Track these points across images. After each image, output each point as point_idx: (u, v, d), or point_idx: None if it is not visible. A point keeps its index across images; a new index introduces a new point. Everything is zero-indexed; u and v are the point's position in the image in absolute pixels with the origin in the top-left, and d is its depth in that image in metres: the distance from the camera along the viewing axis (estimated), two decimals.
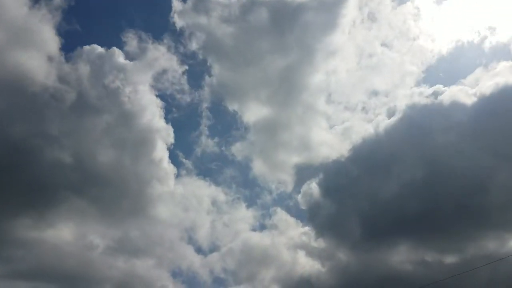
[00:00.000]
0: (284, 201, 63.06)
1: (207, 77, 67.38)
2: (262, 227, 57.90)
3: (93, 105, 52.94)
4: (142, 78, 58.18)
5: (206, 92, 65.98)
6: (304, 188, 55.11)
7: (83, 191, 49.96)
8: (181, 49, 64.51)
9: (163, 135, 55.46)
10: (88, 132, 52.17)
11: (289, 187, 59.99)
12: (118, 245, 50.66)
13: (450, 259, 44.89)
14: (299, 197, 55.57)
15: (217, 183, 61.93)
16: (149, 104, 56.35)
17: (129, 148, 53.94)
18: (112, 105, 53.91)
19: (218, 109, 67.43)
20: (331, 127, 61.61)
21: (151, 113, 55.88)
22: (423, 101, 54.05)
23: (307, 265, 48.94)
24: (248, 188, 65.18)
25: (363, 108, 64.65)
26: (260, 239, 53.73)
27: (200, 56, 64.81)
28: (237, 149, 64.01)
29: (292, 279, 48.80)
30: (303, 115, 62.69)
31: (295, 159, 59.43)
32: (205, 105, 65.46)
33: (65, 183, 49.50)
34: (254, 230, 57.19)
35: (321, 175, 54.43)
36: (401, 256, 46.75)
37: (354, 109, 65.11)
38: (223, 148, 64.82)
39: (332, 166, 54.16)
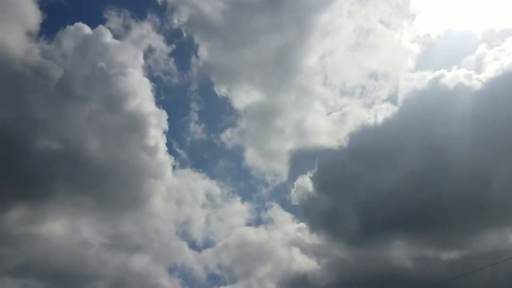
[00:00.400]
0: (278, 194, 61.13)
1: (194, 58, 63.88)
2: (257, 222, 56.19)
3: (82, 88, 50.88)
4: (131, 59, 55.58)
5: (193, 75, 62.70)
6: (298, 181, 53.25)
7: (75, 182, 48.46)
8: (166, 26, 61.16)
9: (157, 122, 53.36)
10: (77, 118, 50.31)
11: (284, 177, 57.75)
12: (112, 240, 49.16)
13: (450, 255, 43.40)
14: (292, 192, 53.60)
15: (209, 174, 60.84)
16: (140, 88, 54.24)
17: (122, 136, 51.93)
18: (103, 88, 51.84)
19: (206, 94, 64.01)
20: (328, 113, 59.12)
21: (142, 97, 53.83)
22: (425, 85, 51.87)
23: (302, 261, 47.64)
24: (241, 180, 62.89)
25: (362, 93, 61.98)
26: (255, 235, 52.22)
27: (185, 34, 60.99)
28: (227, 137, 60.98)
29: (287, 276, 47.58)
30: (298, 100, 60.20)
31: (290, 147, 57.38)
32: (193, 88, 62.51)
33: (55, 174, 47.94)
34: (249, 224, 55.60)
35: (316, 168, 52.10)
36: (400, 252, 45.17)
37: (352, 93, 62.37)
38: (212, 135, 62.12)
39: (327, 156, 51.76)
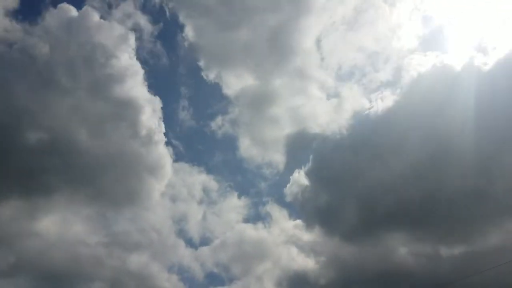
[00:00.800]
0: (275, 188, 57.47)
1: (179, 39, 59.76)
2: (253, 218, 53.91)
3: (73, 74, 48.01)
4: (120, 40, 52.07)
5: (180, 58, 59.35)
6: (295, 176, 50.20)
7: (67, 176, 46.37)
8: (149, 4, 57.06)
9: (151, 110, 50.60)
10: (66, 106, 47.97)
11: (280, 168, 54.96)
12: (108, 238, 47.55)
13: (453, 251, 41.39)
14: (288, 187, 50.46)
15: (203, 166, 56.97)
16: (132, 72, 51.24)
17: (114, 125, 49.60)
18: (92, 73, 49.16)
19: (194, 78, 59.94)
20: (325, 98, 56.45)
21: (134, 82, 51.02)
22: (430, 68, 49.13)
23: (301, 258, 45.93)
24: (237, 174, 60.08)
25: (362, 76, 58.83)
26: (253, 232, 50.34)
27: (168, 12, 57.45)
28: (218, 125, 57.84)
29: (286, 273, 45.79)
30: (294, 85, 57.07)
31: (286, 135, 54.82)
32: (181, 73, 59.02)
33: (43, 168, 45.88)
34: (246, 220, 53.49)
35: (311, 160, 49.04)
36: (401, 248, 43.16)
37: (351, 77, 59.38)
38: (202, 123, 59.03)
39: (324, 146, 49.18)
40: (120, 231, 48.36)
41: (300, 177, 49.09)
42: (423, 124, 44.28)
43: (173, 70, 60.03)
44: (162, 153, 49.97)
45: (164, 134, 50.65)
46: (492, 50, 49.11)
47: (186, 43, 57.35)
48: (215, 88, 57.93)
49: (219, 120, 57.96)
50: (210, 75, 55.74)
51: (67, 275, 43.94)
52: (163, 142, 50.26)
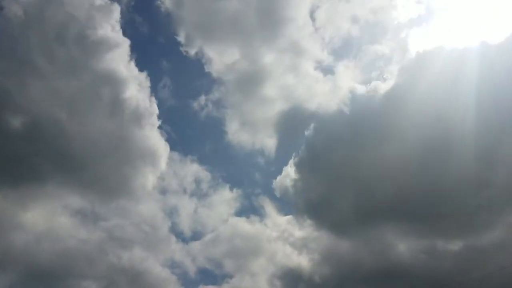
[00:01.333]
0: (265, 177, 53.08)
1: (154, 8, 54.24)
2: (244, 210, 50.03)
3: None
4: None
5: (157, 30, 54.35)
6: (288, 169, 46.34)
7: (53, 165, 43.87)
8: None
9: (141, 89, 47.35)
10: (53, 88, 45.08)
11: (272, 154, 51.25)
12: (99, 232, 44.95)
13: (456, 245, 38.51)
14: (280, 178, 46.66)
15: (179, 150, 52.62)
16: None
17: (103, 107, 46.41)
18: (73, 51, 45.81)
19: (173, 54, 54.26)
20: (321, 74, 52.65)
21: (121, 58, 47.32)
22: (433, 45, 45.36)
23: (295, 254, 43.67)
24: (223, 161, 55.40)
25: (360, 51, 54.88)
26: (245, 225, 47.52)
27: None
28: (201, 106, 53.20)
29: (280, 269, 43.60)
30: (285, 60, 52.99)
31: (277, 115, 51.00)
32: (158, 47, 53.62)
33: (27, 155, 43.42)
34: (237, 213, 49.74)
35: (304, 147, 45.12)
36: (400, 243, 40.24)
37: (346, 52, 54.93)
38: (183, 102, 54.01)
39: (319, 127, 44.81)
40: (109, 224, 45.90)
41: (292, 167, 45.73)
42: (424, 108, 40.87)
43: (150, 43, 55.07)
44: (156, 138, 46.98)
45: (157, 116, 47.42)
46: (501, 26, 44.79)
47: (162, 11, 52.82)
48: (197, 65, 53.30)
49: (202, 100, 53.64)
50: (191, 51, 51.26)
51: (55, 270, 42.30)
52: (157, 126, 47.27)
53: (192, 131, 56.03)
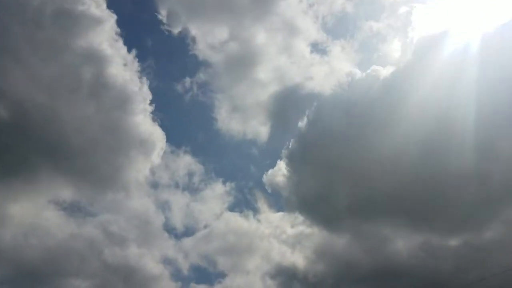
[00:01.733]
0: (259, 174, 49.71)
1: None
2: (237, 205, 47.86)
3: None
4: None
5: (138, 5, 50.03)
6: (280, 163, 44.01)
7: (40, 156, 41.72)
8: None
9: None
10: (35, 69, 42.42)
11: (264, 141, 48.46)
12: (89, 227, 42.78)
13: (456, 241, 36.78)
14: (273, 171, 44.16)
15: (173, 141, 49.52)
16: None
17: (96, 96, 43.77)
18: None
19: (154, 33, 50.44)
20: (315, 54, 49.57)
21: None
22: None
23: (290, 251, 42.20)
24: (214, 154, 52.36)
25: (358, 29, 51.41)
26: (238, 220, 45.35)
27: None
28: (185, 89, 49.95)
29: (274, 266, 42.21)
30: (278, 39, 50.04)
31: (269, 100, 48.37)
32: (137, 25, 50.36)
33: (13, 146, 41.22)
34: (231, 205, 47.46)
35: (296, 139, 42.75)
36: (398, 239, 38.44)
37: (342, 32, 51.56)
38: (166, 86, 50.21)
39: (315, 111, 42.19)
40: (98, 219, 43.99)
41: (284, 159, 43.58)
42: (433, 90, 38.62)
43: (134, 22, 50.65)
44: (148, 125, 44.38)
45: (150, 101, 44.61)
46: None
47: None
48: (181, 46, 49.59)
49: (187, 83, 50.24)
50: (174, 30, 47.92)
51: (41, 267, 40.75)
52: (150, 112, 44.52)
53: (178, 118, 53.14)
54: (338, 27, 51.90)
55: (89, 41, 43.09)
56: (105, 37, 43.91)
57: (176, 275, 42.73)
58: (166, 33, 47.59)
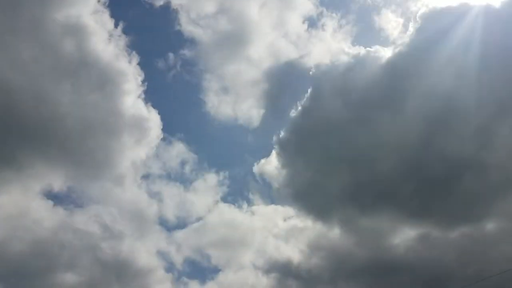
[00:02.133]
0: (252, 162, 47.03)
1: None
2: (230, 195, 45.76)
3: None
4: None
5: None
6: (273, 154, 42.07)
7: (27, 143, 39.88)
8: None
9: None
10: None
11: (256, 125, 45.64)
12: (80, 218, 40.74)
13: (456, 232, 35.29)
14: (265, 161, 42.43)
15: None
16: None
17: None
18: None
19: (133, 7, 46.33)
20: (311, 29, 46.29)
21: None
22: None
23: (285, 245, 40.93)
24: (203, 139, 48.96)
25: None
26: (231, 211, 43.77)
27: None
28: (167, 67, 46.36)
29: (270, 260, 41.06)
30: (271, 13, 46.96)
31: (262, 79, 45.66)
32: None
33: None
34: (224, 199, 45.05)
35: (287, 130, 40.70)
36: (395, 231, 36.89)
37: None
38: (149, 64, 45.88)
39: (305, 111, 39.71)
40: (87, 209, 42.56)
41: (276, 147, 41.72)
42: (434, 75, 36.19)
43: None
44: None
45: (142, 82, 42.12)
46: None
47: None
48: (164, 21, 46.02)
49: (171, 61, 46.69)
50: (156, 2, 44.71)
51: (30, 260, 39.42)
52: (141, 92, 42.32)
53: (162, 95, 49.15)
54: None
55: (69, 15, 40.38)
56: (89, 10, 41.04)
57: (170, 268, 41.24)
58: (147, 6, 44.97)
